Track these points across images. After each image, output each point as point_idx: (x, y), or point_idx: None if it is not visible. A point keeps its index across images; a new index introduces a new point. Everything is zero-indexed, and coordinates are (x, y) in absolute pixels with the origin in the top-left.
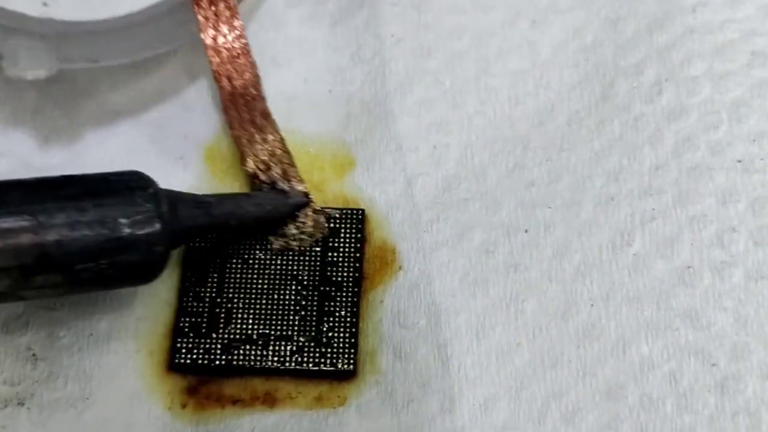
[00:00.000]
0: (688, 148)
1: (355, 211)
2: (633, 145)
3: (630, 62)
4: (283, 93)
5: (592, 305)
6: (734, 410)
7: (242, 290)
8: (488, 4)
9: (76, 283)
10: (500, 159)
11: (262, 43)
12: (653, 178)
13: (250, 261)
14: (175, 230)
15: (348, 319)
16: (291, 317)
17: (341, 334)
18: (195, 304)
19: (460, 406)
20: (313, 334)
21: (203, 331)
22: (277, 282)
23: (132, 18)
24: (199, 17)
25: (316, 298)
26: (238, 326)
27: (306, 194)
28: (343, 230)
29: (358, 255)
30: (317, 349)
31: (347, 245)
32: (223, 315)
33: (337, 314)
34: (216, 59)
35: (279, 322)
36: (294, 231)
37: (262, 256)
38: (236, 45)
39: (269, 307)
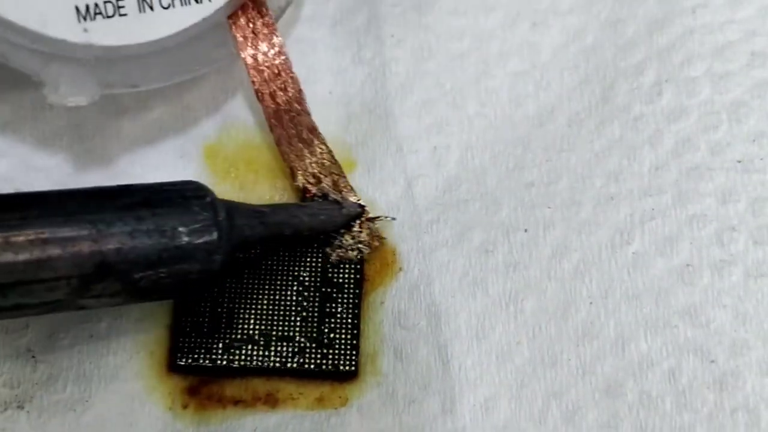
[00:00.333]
0: (688, 148)
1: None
2: (633, 145)
3: (630, 63)
4: None
5: (591, 303)
6: (733, 407)
7: (243, 290)
8: (488, 6)
9: (134, 292)
10: (500, 160)
11: None
12: (653, 179)
13: (251, 261)
14: (233, 239)
15: (349, 321)
16: (292, 318)
17: (342, 336)
18: (196, 304)
19: (460, 406)
20: (314, 335)
21: (204, 331)
22: (279, 283)
23: (171, 40)
24: (238, 36)
25: (317, 299)
26: (240, 326)
27: (361, 205)
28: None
29: (358, 255)
30: (318, 350)
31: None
32: (224, 315)
33: (338, 315)
34: (257, 78)
35: (280, 323)
36: (350, 241)
37: (263, 257)
38: (276, 62)
39: (270, 307)
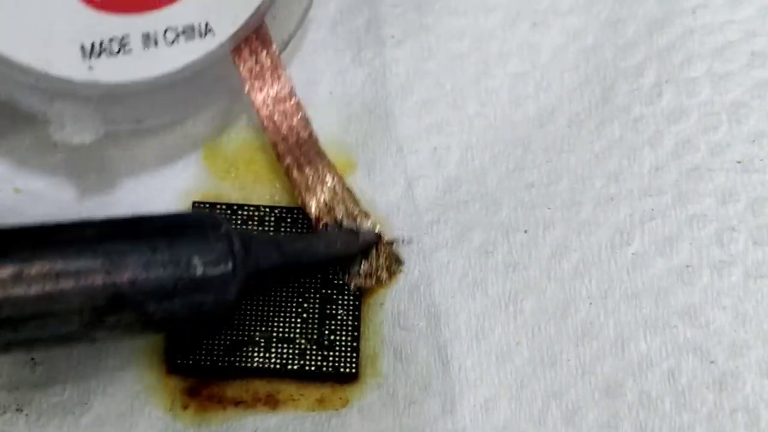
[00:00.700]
0: (687, 149)
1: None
2: (633, 146)
3: (630, 64)
4: None
5: (590, 304)
6: (733, 407)
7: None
8: (488, 6)
9: (148, 324)
10: (500, 160)
11: None
12: (653, 179)
13: None
14: (248, 269)
15: (349, 322)
16: (293, 319)
17: (343, 337)
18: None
19: (461, 407)
20: (314, 336)
21: (205, 333)
22: (279, 284)
23: (175, 75)
24: (242, 70)
25: (317, 300)
26: (240, 328)
27: (378, 234)
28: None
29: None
30: (319, 352)
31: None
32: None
33: (338, 317)
34: (263, 110)
35: (281, 325)
36: (368, 269)
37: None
38: (282, 94)
39: (271, 309)
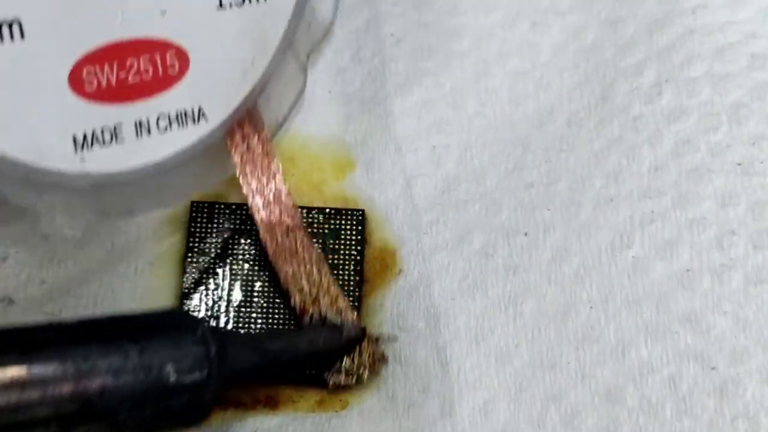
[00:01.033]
0: (687, 149)
1: (354, 212)
2: (632, 145)
3: (630, 63)
4: None
5: (591, 308)
6: (733, 414)
7: (242, 293)
8: (488, 6)
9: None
10: (500, 160)
11: None
12: (653, 180)
13: (250, 262)
14: (225, 373)
15: None
16: (292, 323)
17: None
18: (196, 307)
19: (460, 409)
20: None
21: None
22: (279, 285)
23: (168, 163)
24: (234, 156)
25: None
26: (239, 330)
27: (363, 329)
28: (342, 231)
29: (358, 257)
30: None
31: (347, 246)
32: (224, 320)
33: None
34: (252, 198)
35: (280, 325)
36: (350, 365)
37: (262, 260)
38: (271, 181)
39: (270, 310)
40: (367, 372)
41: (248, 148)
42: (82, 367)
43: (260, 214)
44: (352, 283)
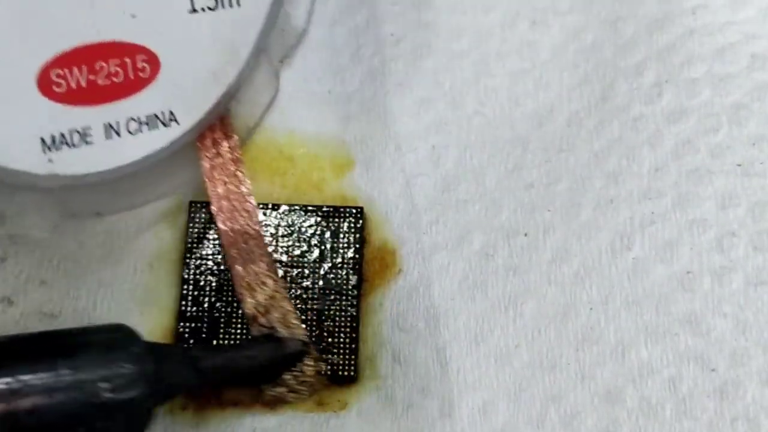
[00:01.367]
0: (687, 150)
1: (353, 209)
2: (632, 146)
3: (630, 63)
4: (283, 92)
5: (591, 309)
6: (733, 416)
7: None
8: (488, 5)
9: None
10: (499, 160)
11: None
12: (653, 181)
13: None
14: (161, 390)
15: (348, 324)
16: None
17: (342, 339)
18: (195, 308)
19: (459, 410)
20: (313, 339)
21: (203, 336)
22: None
23: (137, 165)
24: (203, 161)
25: (316, 301)
26: (238, 331)
27: (305, 342)
28: (341, 229)
29: (357, 255)
30: (318, 355)
31: (346, 244)
32: (222, 319)
33: (337, 318)
34: (217, 202)
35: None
36: (291, 381)
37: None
38: (237, 187)
39: None
40: (306, 388)
41: (218, 153)
42: (12, 386)
43: (223, 220)
44: (350, 281)
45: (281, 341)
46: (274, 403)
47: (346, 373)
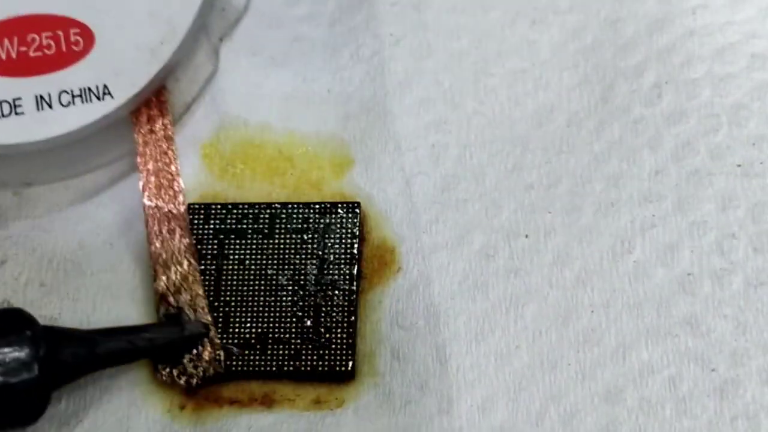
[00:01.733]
0: (687, 152)
1: (350, 204)
2: (633, 148)
3: (629, 64)
4: (282, 92)
5: (592, 312)
6: (733, 415)
7: (239, 294)
8: (487, 4)
9: None
10: (499, 159)
11: (261, 42)
12: (653, 183)
13: (247, 263)
14: (56, 373)
15: (346, 320)
16: (288, 319)
17: (339, 335)
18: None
19: (458, 407)
20: (310, 335)
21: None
22: (274, 283)
23: (68, 137)
24: (136, 135)
25: (313, 298)
26: (236, 331)
27: (205, 326)
28: (339, 225)
29: (354, 251)
30: (315, 351)
31: (344, 240)
32: (220, 320)
33: (334, 315)
34: (146, 177)
35: (276, 325)
36: (187, 364)
37: (258, 257)
38: (167, 165)
39: (266, 309)
40: (201, 372)
41: (151, 129)
42: None
43: (149, 196)
44: (347, 277)
45: (182, 323)
46: (169, 379)
47: (343, 369)
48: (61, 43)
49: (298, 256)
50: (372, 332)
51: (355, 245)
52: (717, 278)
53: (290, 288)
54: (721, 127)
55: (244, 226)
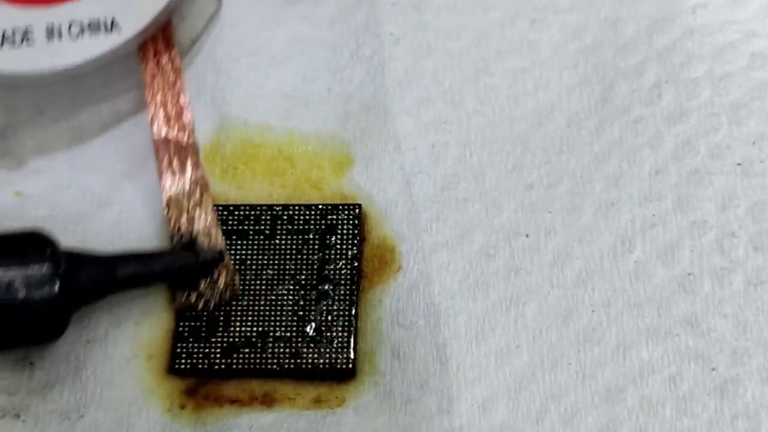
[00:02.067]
0: (688, 151)
1: (351, 206)
2: (633, 148)
3: (630, 63)
4: (282, 91)
5: (593, 311)
6: (733, 414)
7: (241, 293)
8: (487, 4)
9: None
10: (499, 159)
11: (261, 42)
12: (653, 183)
13: (248, 262)
14: (75, 292)
15: (346, 318)
16: (289, 318)
17: (339, 333)
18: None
19: (458, 406)
20: (311, 333)
21: (203, 335)
22: (275, 281)
23: (78, 69)
24: (144, 69)
25: (313, 297)
26: (237, 329)
27: (220, 252)
28: (339, 226)
29: (355, 252)
30: (315, 349)
31: (344, 241)
32: (221, 318)
33: (335, 313)
34: (154, 109)
35: (277, 324)
36: (203, 288)
37: (259, 257)
38: (175, 98)
39: (267, 308)
40: (217, 298)
41: (158, 63)
42: None
43: (159, 128)
44: (347, 276)
45: (197, 249)
46: (187, 309)
47: (343, 367)
48: None
49: (299, 257)
50: (372, 331)
51: (356, 246)
52: (717, 277)
53: (291, 287)
54: (721, 126)
55: (246, 227)
